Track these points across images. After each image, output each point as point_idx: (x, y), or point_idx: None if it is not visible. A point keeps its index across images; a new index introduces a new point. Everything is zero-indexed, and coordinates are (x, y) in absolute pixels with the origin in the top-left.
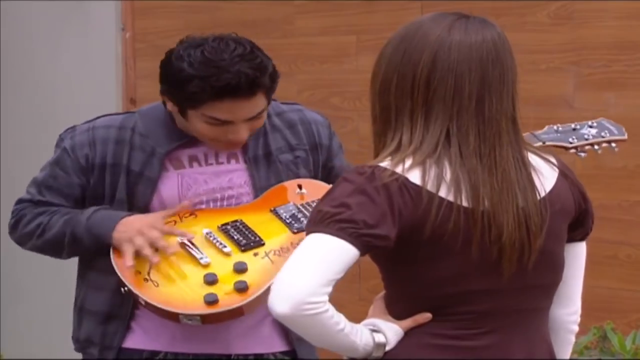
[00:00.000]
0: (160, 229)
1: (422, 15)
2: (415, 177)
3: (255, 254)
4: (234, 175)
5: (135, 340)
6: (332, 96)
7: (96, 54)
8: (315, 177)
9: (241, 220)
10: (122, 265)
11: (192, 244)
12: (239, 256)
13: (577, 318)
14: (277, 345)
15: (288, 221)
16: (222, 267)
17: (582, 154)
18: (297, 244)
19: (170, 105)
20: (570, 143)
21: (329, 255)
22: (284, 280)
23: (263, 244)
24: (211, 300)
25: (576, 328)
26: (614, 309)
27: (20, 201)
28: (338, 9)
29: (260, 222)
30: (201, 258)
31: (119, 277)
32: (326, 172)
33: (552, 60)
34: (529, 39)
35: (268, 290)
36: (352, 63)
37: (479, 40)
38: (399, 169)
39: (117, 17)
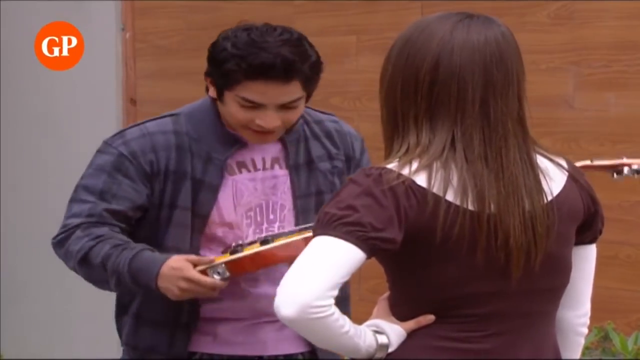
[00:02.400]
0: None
1: (427, 16)
2: (421, 179)
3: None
4: (278, 181)
5: None
6: (332, 96)
7: (96, 54)
8: None
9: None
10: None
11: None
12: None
13: (586, 320)
14: (302, 346)
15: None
16: (248, 246)
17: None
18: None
19: (211, 90)
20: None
21: (336, 258)
22: (290, 284)
23: (280, 236)
24: (236, 252)
25: (585, 330)
26: (614, 309)
27: (75, 215)
28: (338, 9)
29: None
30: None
31: None
32: None
33: (552, 60)
34: (529, 39)
35: (290, 245)
36: (352, 63)
37: (481, 41)
38: (405, 172)
39: (117, 17)
